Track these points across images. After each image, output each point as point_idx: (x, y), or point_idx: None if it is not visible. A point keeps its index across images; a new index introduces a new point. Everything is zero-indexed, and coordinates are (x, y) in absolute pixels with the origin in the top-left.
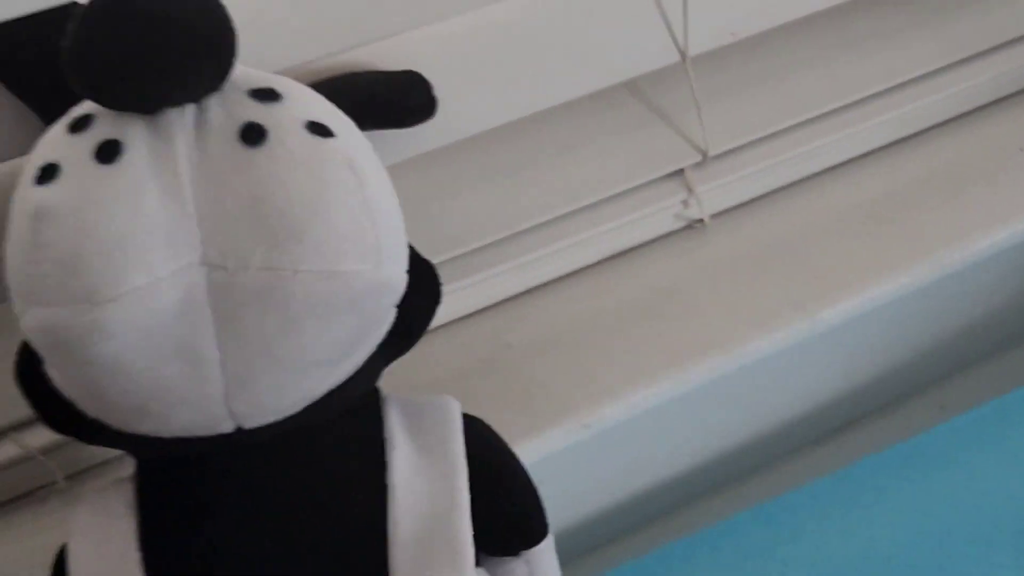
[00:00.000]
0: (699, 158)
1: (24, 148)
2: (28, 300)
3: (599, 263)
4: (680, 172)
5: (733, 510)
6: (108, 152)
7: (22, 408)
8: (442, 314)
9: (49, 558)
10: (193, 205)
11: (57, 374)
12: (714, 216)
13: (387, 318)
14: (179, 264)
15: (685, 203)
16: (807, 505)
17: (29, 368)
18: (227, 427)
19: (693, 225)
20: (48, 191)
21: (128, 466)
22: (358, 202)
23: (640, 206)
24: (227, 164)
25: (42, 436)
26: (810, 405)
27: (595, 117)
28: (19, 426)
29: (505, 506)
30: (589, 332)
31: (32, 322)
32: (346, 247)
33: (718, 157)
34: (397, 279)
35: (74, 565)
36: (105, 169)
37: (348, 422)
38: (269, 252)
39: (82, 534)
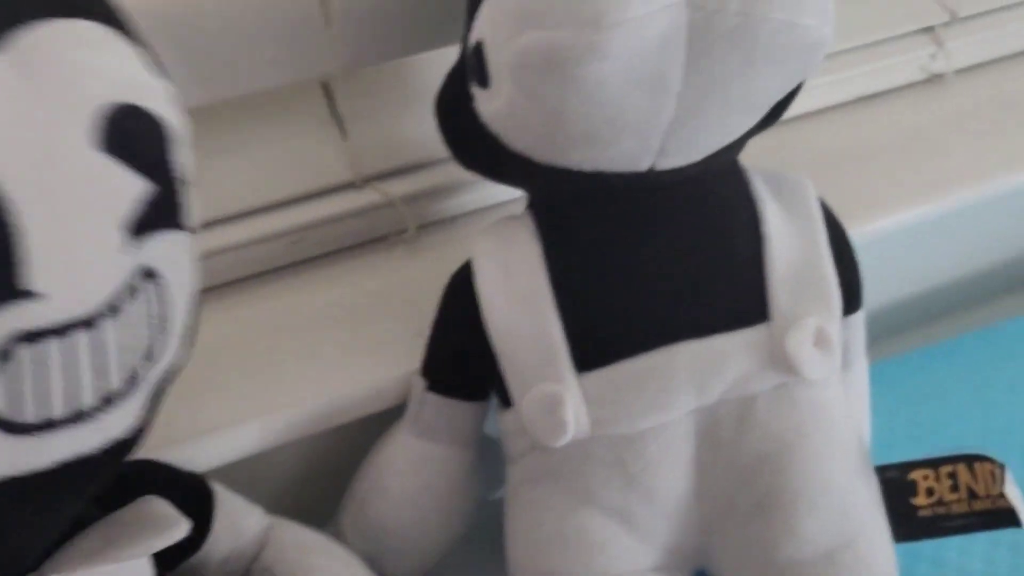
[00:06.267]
0: (948, 18)
1: None
2: (528, 24)
3: (852, 102)
4: (930, 29)
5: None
6: None
7: (384, 160)
8: None
9: (393, 298)
10: None
11: (519, 100)
12: (957, 72)
13: (804, 76)
14: (671, 1)
15: (933, 57)
16: None
17: (451, 106)
18: (645, 164)
19: (935, 79)
20: None
21: (476, 221)
22: None
23: (892, 55)
24: None
25: (402, 186)
26: None
27: None
28: (381, 176)
29: (841, 270)
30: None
31: (528, 44)
32: (807, 2)
33: (966, 19)
34: (828, 40)
35: (482, 278)
36: None
37: (726, 181)
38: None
39: (488, 255)
